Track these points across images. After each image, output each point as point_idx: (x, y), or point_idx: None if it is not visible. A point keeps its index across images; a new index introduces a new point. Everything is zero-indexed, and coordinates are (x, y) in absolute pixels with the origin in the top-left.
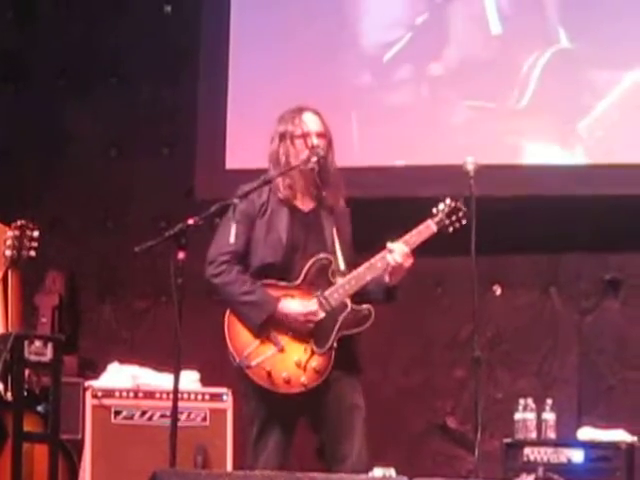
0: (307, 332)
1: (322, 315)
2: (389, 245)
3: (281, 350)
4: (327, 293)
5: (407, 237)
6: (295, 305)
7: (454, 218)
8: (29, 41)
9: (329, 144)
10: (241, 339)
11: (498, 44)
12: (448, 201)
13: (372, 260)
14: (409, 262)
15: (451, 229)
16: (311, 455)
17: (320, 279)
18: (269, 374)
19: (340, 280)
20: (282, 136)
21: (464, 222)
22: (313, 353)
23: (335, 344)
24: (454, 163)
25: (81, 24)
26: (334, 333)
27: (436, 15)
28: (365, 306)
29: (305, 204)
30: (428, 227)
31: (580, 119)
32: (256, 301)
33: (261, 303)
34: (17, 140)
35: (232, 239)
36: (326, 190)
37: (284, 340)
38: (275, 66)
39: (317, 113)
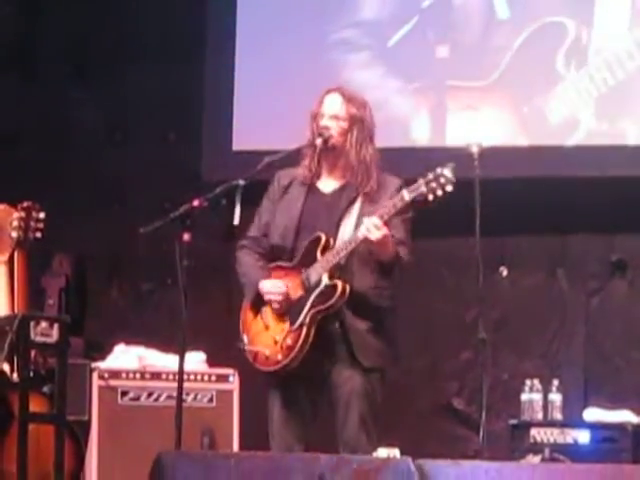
0: (283, 310)
1: (301, 293)
2: (364, 220)
3: (266, 328)
4: (308, 271)
5: (380, 209)
6: (268, 283)
7: (434, 185)
8: (33, 28)
9: (351, 127)
10: (245, 319)
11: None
12: (436, 169)
13: (346, 237)
14: (377, 234)
15: (431, 196)
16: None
17: (309, 257)
18: (256, 353)
19: (323, 258)
20: (312, 116)
21: (448, 188)
22: (289, 331)
23: (307, 320)
24: (458, 145)
25: (85, 9)
26: (305, 310)
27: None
28: (335, 281)
29: (328, 185)
30: (402, 198)
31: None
32: (248, 282)
33: (251, 283)
34: (24, 125)
35: (235, 221)
36: (349, 172)
37: (270, 319)
38: (283, 48)
39: (344, 95)
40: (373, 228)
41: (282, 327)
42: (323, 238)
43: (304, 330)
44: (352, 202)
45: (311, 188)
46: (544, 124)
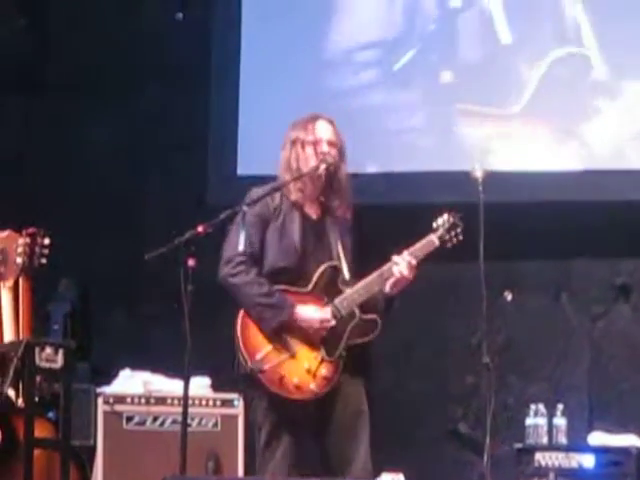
0: (318, 339)
1: (333, 323)
2: (395, 258)
3: (293, 356)
4: (337, 301)
5: (411, 250)
6: (311, 311)
7: (453, 234)
8: (41, 48)
9: (340, 153)
10: (254, 342)
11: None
12: (446, 216)
13: (380, 271)
14: (413, 274)
15: (449, 245)
16: (317, 460)
17: (329, 287)
18: (281, 379)
19: (348, 289)
20: (294, 142)
21: (461, 238)
22: (323, 360)
23: (344, 352)
24: (462, 169)
25: (93, 30)
26: (343, 341)
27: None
28: (373, 316)
29: (313, 211)
30: (431, 242)
31: (586, 123)
32: (274, 304)
33: (278, 306)
34: (30, 147)
35: (241, 246)
36: (335, 199)
37: (296, 346)
38: (287, 73)
39: (330, 122)
40: (410, 268)
41: (314, 356)
42: (342, 268)
43: (341, 362)
44: (335, 231)
45: (301, 212)
46: (547, 150)
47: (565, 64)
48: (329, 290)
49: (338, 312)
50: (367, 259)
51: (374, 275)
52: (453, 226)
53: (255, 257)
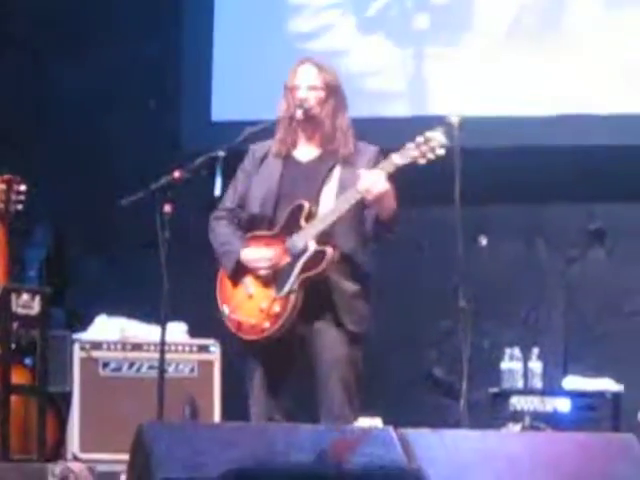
0: (270, 277)
1: (287, 260)
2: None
3: (250, 297)
4: (294, 237)
5: (374, 170)
6: (252, 251)
7: (425, 148)
8: None
9: (328, 96)
10: (223, 288)
11: None
12: (426, 133)
13: (337, 199)
14: (378, 188)
15: (422, 160)
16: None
17: (293, 225)
18: (239, 322)
19: (309, 224)
20: (284, 89)
21: (439, 152)
22: (275, 299)
23: (295, 287)
24: (438, 114)
25: None
26: (293, 276)
27: None
28: (324, 247)
29: (306, 154)
30: (391, 162)
31: (559, 67)
32: (228, 250)
33: (232, 252)
34: (1, 97)
35: (217, 192)
36: (330, 142)
37: (254, 287)
38: (261, 16)
39: (317, 65)
40: (375, 181)
41: (268, 295)
42: (306, 205)
43: (293, 296)
44: (331, 169)
45: (287, 158)
46: (523, 94)
47: (535, 9)
48: (291, 229)
49: (293, 248)
50: None
51: (331, 206)
52: (426, 140)
53: (232, 210)
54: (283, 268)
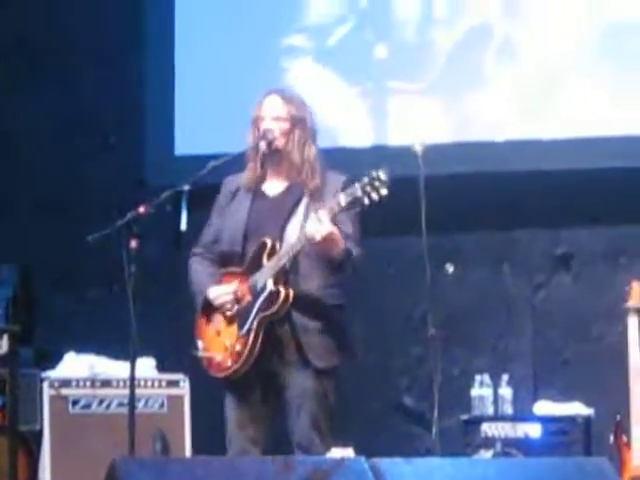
0: (232, 316)
1: (249, 299)
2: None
3: (218, 334)
4: (255, 276)
5: (320, 211)
6: (217, 289)
7: (369, 189)
8: None
9: (293, 128)
10: (199, 327)
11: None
12: (371, 173)
13: (291, 240)
14: (323, 231)
15: (367, 200)
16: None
17: (256, 263)
18: (209, 359)
19: (269, 263)
20: (251, 121)
21: (383, 192)
22: (238, 337)
23: (254, 326)
24: (403, 144)
25: (21, 11)
26: (252, 315)
27: None
28: (278, 287)
29: (273, 188)
30: (338, 202)
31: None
32: (198, 290)
33: (197, 292)
34: None
35: (182, 226)
36: (297, 174)
37: (221, 325)
38: (223, 51)
39: (283, 96)
40: (318, 224)
41: (232, 332)
42: (269, 243)
43: (252, 335)
44: (298, 202)
45: (257, 192)
46: (484, 121)
47: (478, 36)
48: (255, 266)
49: (254, 287)
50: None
51: (286, 244)
52: (370, 181)
53: (209, 247)
54: (245, 307)
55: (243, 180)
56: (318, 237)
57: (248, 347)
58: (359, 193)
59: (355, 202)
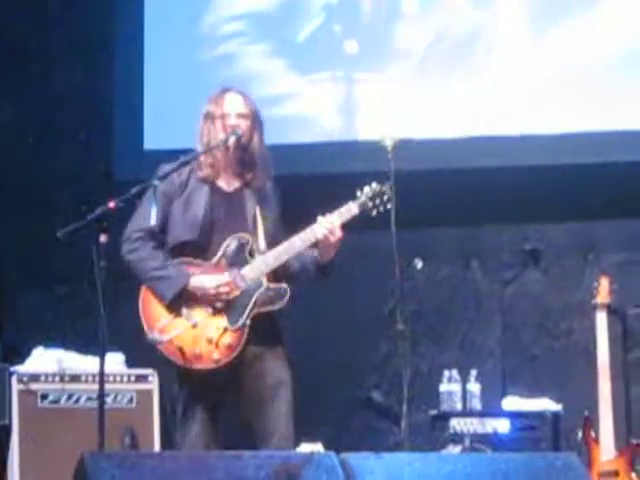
0: (220, 308)
1: (237, 293)
2: (318, 219)
3: (194, 326)
4: (244, 271)
5: (327, 217)
6: (207, 280)
7: (377, 202)
8: None
9: (254, 125)
10: (154, 314)
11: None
12: (374, 185)
13: (292, 239)
14: (334, 237)
15: (374, 212)
16: (239, 432)
17: (238, 258)
18: (180, 349)
19: (257, 258)
20: (205, 116)
21: (389, 206)
22: (226, 330)
23: (249, 321)
24: (372, 139)
25: None
26: (247, 310)
27: None
28: (282, 285)
29: (229, 184)
30: (349, 209)
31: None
32: (167, 276)
33: (172, 278)
34: None
35: (152, 221)
36: (251, 170)
37: (198, 316)
38: (191, 45)
39: (242, 94)
40: (333, 229)
41: (216, 325)
42: (250, 239)
43: (246, 330)
44: (254, 202)
45: (212, 186)
46: (453, 116)
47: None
48: (236, 261)
49: (243, 281)
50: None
51: (285, 243)
52: (379, 194)
53: (154, 232)
54: (235, 300)
55: (202, 173)
56: (332, 240)
57: (242, 342)
58: (370, 205)
59: (364, 213)
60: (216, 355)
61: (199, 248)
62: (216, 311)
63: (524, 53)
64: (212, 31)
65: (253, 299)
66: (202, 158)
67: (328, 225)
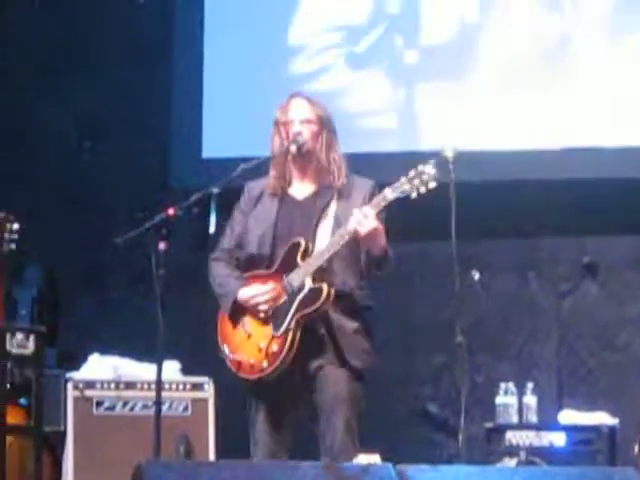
0: (268, 317)
1: (283, 299)
2: (353, 211)
3: (249, 336)
4: (290, 276)
5: (362, 209)
6: (251, 290)
7: (417, 182)
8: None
9: (321, 130)
10: (223, 328)
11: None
12: (418, 167)
13: (332, 237)
14: (369, 225)
15: (414, 194)
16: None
17: (289, 263)
18: (239, 362)
19: (305, 262)
20: (275, 124)
21: (431, 185)
22: (273, 337)
23: (292, 326)
24: (433, 149)
25: (52, 14)
26: (289, 315)
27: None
28: (319, 284)
29: (301, 191)
30: (385, 196)
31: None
32: (225, 292)
33: (229, 293)
34: None
35: (211, 229)
36: (324, 177)
37: (252, 327)
38: (251, 55)
39: (308, 99)
40: (364, 219)
41: (265, 334)
42: (302, 243)
43: (290, 335)
44: (327, 205)
45: (283, 196)
46: (515, 127)
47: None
48: (288, 267)
49: (290, 286)
50: None
51: (323, 244)
52: (418, 174)
53: (230, 250)
54: (280, 306)
55: (268, 185)
56: (364, 231)
57: (286, 347)
58: (407, 187)
59: (403, 195)
60: (265, 364)
61: (266, 260)
62: (265, 320)
63: (595, 65)
64: (272, 39)
65: (295, 303)
66: (271, 170)
67: (360, 217)
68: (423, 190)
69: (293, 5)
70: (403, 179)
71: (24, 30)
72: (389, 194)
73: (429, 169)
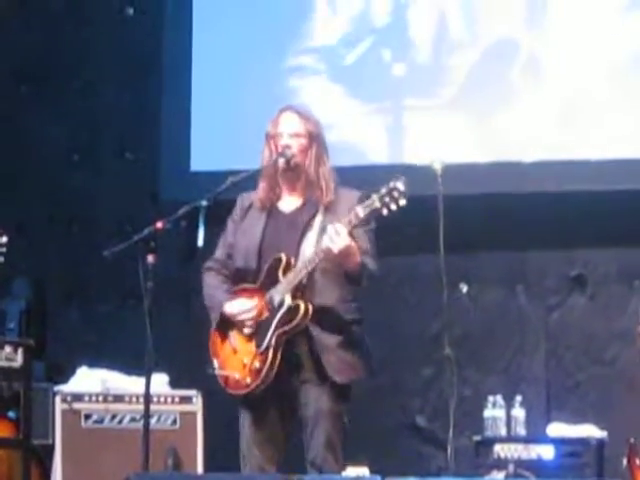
0: (250, 332)
1: (266, 315)
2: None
3: (235, 352)
4: (271, 292)
5: (335, 225)
6: (235, 305)
7: (387, 199)
8: None
9: (310, 144)
10: (213, 343)
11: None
12: (390, 183)
13: (309, 252)
14: (341, 243)
15: (385, 211)
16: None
17: (272, 278)
18: (227, 377)
19: (286, 278)
20: (265, 137)
21: (401, 202)
22: (255, 354)
23: (273, 342)
24: (421, 163)
25: (41, 28)
26: (270, 332)
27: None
28: (297, 301)
29: (289, 204)
30: (356, 214)
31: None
32: (212, 305)
33: (215, 307)
34: None
35: (200, 242)
36: (312, 190)
37: (238, 342)
38: (238, 70)
39: (299, 112)
40: (336, 237)
41: (249, 349)
42: (284, 258)
43: (270, 352)
44: (313, 217)
45: (271, 210)
46: (502, 140)
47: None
48: (271, 282)
49: (271, 302)
50: None
51: (302, 259)
52: (389, 191)
53: (222, 261)
54: (263, 322)
55: (256, 198)
56: (335, 249)
57: (267, 364)
58: (377, 204)
59: (373, 213)
60: (248, 380)
61: (252, 273)
62: (250, 335)
63: (579, 75)
64: (260, 54)
65: (275, 320)
66: (260, 183)
67: (333, 234)
68: (394, 207)
69: (282, 20)
70: (374, 196)
71: (13, 44)
72: (360, 212)
73: (400, 185)
